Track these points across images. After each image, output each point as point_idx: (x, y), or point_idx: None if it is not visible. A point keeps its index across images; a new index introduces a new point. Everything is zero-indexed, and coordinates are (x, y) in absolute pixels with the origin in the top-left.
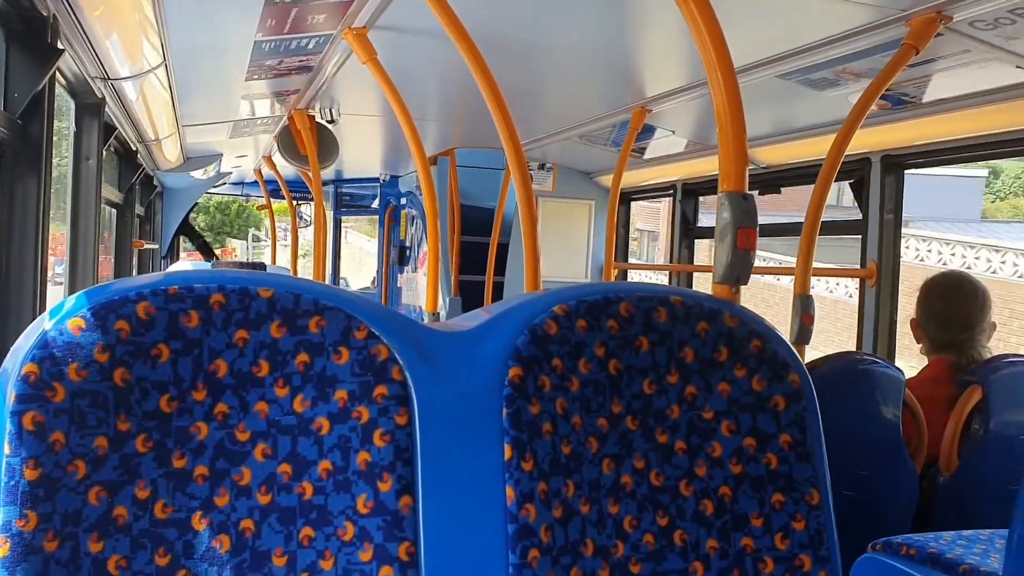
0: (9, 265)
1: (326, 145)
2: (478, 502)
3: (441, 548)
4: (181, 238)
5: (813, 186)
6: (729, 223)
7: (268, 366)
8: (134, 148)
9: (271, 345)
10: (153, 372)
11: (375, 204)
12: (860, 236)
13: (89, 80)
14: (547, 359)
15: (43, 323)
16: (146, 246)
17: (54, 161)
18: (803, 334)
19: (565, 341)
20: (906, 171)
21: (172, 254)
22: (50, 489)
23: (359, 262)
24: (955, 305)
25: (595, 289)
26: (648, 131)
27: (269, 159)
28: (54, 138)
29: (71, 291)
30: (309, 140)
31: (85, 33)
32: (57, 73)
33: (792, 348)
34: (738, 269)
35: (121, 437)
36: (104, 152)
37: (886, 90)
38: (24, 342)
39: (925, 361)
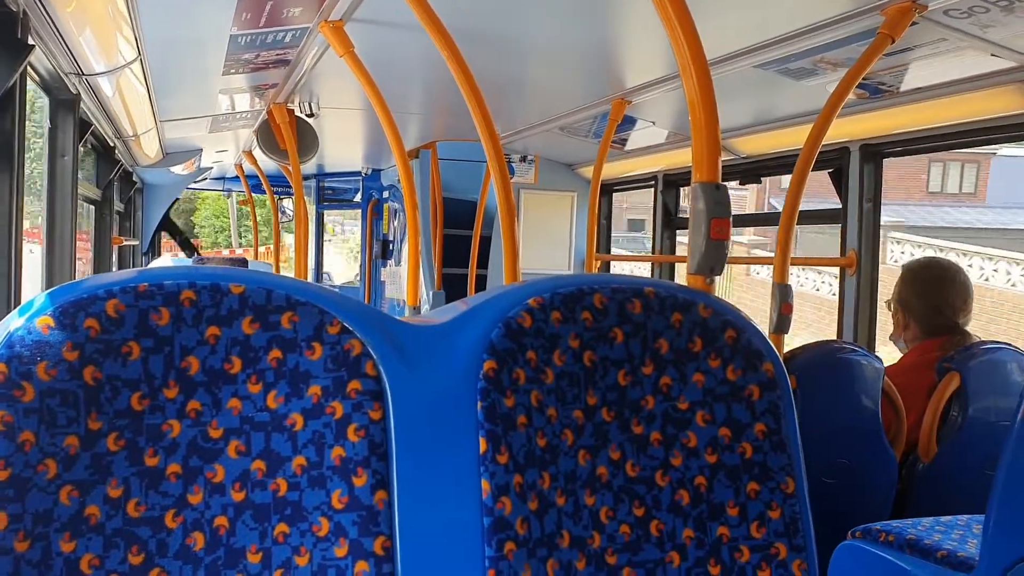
0: None
1: (306, 139)
2: (453, 496)
3: (417, 542)
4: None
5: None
6: (703, 213)
7: (240, 363)
8: (112, 144)
9: (243, 341)
10: (124, 370)
11: (357, 198)
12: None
13: (63, 76)
14: (522, 352)
15: (11, 322)
16: (126, 243)
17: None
18: (782, 323)
19: (540, 334)
20: (885, 159)
21: (153, 250)
22: (20, 489)
23: None
24: (953, 290)
25: (569, 281)
26: (629, 122)
27: (250, 154)
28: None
29: (48, 288)
30: (288, 134)
31: (57, 28)
32: (29, 69)
33: (766, 338)
34: (712, 260)
35: (92, 436)
36: (81, 148)
37: (863, 79)
38: None
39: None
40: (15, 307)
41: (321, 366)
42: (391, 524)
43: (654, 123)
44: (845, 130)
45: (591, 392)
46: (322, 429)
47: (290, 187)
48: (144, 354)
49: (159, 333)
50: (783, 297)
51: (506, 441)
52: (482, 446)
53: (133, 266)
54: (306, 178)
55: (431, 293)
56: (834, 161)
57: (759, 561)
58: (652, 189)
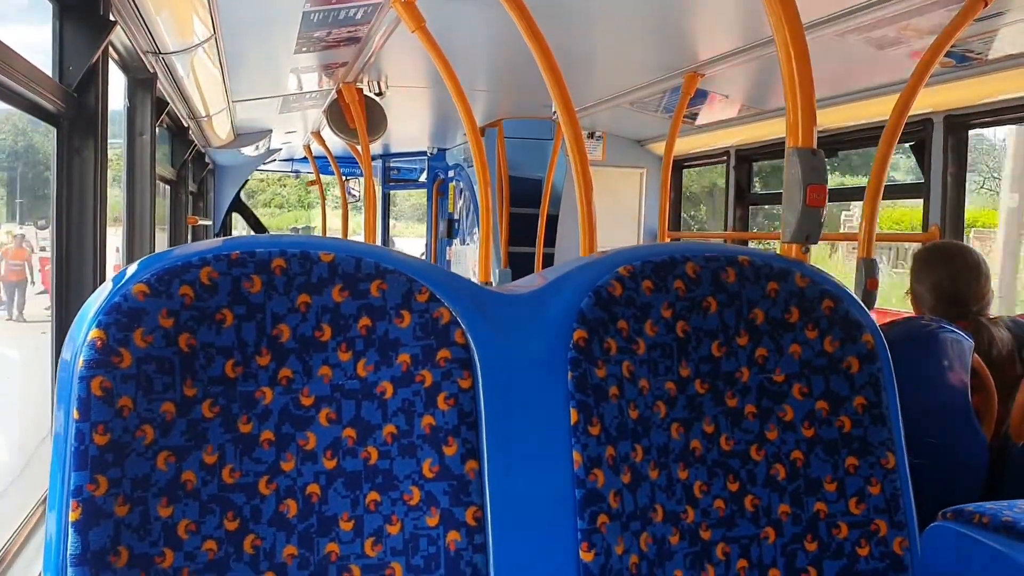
0: (70, 234)
1: (375, 118)
2: (545, 467)
3: (508, 513)
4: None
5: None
6: (798, 180)
7: (331, 330)
8: (186, 124)
9: (333, 309)
10: (218, 337)
11: (423, 178)
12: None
13: (141, 54)
14: (612, 321)
15: (107, 289)
16: (200, 222)
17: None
18: (868, 299)
19: (631, 303)
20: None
21: (225, 231)
22: (119, 454)
23: None
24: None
25: (660, 249)
26: (700, 96)
27: (318, 134)
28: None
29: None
30: (358, 113)
31: (136, 6)
32: (110, 47)
33: (865, 308)
34: (808, 227)
35: (187, 402)
36: (157, 128)
37: (950, 47)
38: (89, 308)
39: None
40: (100, 279)
41: (410, 334)
42: (482, 494)
43: (727, 96)
44: (927, 101)
45: (684, 363)
46: (412, 397)
47: (356, 168)
48: (237, 321)
49: (251, 301)
50: (869, 272)
51: (597, 412)
52: (573, 417)
53: None
54: (373, 158)
55: (498, 271)
56: (916, 133)
57: (858, 538)
58: (723, 165)
